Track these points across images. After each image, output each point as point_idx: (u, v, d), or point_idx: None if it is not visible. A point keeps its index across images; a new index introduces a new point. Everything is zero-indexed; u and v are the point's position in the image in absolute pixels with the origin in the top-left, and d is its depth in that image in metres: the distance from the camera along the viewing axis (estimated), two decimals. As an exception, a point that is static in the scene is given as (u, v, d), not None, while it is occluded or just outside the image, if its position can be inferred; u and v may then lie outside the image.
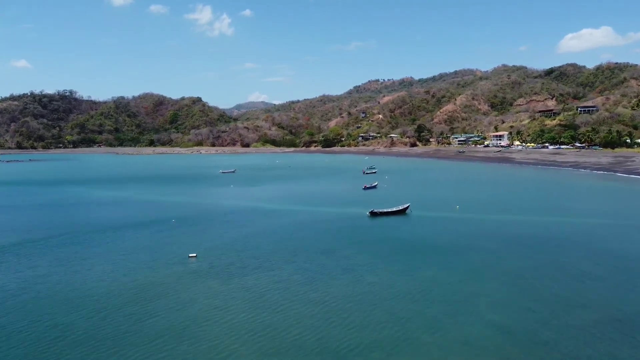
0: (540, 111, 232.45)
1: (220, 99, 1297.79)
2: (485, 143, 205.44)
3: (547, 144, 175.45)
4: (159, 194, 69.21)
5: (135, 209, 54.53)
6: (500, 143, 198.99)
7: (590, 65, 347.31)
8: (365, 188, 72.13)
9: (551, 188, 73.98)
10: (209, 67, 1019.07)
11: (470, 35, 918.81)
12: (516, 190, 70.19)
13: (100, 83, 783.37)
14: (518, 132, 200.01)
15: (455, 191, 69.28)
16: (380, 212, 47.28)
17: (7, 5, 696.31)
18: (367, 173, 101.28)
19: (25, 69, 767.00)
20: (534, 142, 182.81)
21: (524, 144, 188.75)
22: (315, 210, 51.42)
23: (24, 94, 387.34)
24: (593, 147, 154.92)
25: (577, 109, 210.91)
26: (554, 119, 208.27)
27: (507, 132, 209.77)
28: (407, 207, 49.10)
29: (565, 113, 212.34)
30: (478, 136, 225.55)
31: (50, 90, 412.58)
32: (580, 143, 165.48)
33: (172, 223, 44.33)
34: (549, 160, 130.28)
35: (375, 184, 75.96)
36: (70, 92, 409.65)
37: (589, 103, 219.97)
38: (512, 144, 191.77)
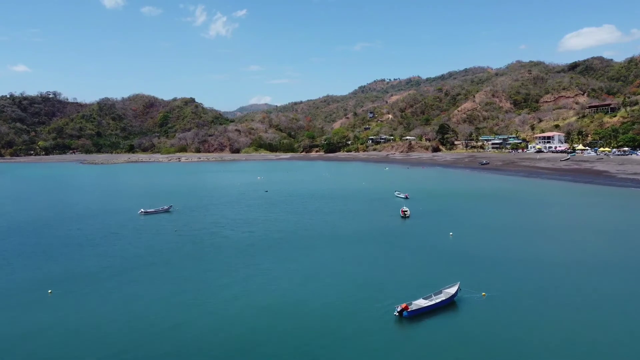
0: (592, 106, 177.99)
1: (225, 101, 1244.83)
2: (537, 147, 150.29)
3: (626, 149, 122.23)
4: None
5: None
6: (554, 147, 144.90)
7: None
8: (409, 312, 20.72)
9: None
10: (213, 70, 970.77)
11: (475, 34, 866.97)
12: None
13: (94, 86, 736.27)
14: (579, 133, 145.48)
15: None
16: None
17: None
18: (406, 215, 48.52)
19: (25, 73, 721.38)
20: (608, 145, 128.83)
21: (589, 147, 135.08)
22: None
23: (2, 96, 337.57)
24: None
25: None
26: (614, 116, 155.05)
27: (557, 133, 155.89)
28: None
29: (629, 108, 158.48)
30: (517, 138, 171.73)
31: (32, 92, 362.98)
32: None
33: None
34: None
35: (455, 289, 23.39)
36: (54, 93, 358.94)
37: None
38: (573, 149, 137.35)
